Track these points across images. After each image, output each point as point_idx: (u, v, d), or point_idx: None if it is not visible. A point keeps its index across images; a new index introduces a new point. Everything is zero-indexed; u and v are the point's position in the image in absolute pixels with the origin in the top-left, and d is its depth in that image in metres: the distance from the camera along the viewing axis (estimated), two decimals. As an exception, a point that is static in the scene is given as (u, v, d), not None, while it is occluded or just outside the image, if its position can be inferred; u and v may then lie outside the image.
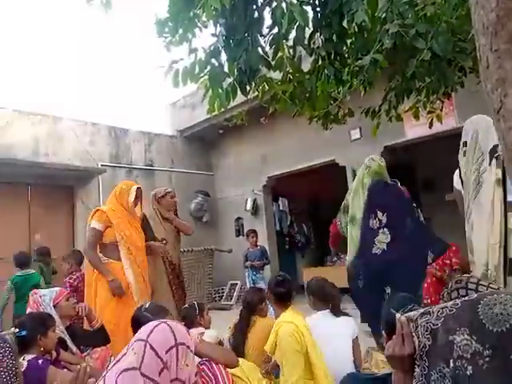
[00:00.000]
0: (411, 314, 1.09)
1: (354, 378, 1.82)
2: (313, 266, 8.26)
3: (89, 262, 3.17)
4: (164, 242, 3.66)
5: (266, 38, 2.36)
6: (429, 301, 4.13)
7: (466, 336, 0.98)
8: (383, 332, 1.54)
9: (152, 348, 1.10)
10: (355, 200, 3.11)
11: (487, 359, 0.93)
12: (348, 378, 1.81)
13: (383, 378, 1.72)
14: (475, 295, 1.03)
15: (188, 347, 1.15)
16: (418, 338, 1.05)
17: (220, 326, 3.12)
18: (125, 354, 1.14)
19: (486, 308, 0.97)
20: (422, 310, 1.09)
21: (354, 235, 3.05)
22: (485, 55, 0.90)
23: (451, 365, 0.99)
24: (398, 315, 1.11)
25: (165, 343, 1.12)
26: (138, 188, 3.48)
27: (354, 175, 6.43)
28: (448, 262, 4.42)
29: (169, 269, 3.62)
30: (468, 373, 0.95)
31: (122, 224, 3.21)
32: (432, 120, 3.22)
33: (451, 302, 1.05)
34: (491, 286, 1.48)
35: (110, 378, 1.11)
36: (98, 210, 3.30)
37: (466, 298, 1.05)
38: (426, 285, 4.45)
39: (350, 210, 3.15)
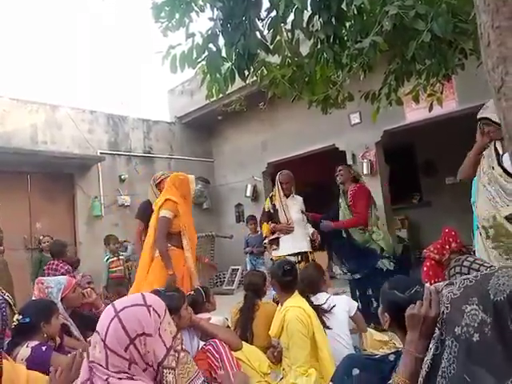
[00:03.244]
0: (438, 284, 1.22)
1: (354, 360, 1.84)
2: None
3: (159, 252, 3.17)
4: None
5: (264, 22, 2.32)
6: (428, 284, 4.17)
7: (474, 306, 1.04)
8: (385, 314, 1.55)
9: (111, 350, 1.08)
10: None
11: (489, 327, 0.99)
12: (348, 360, 1.84)
13: (381, 359, 1.75)
14: (496, 268, 1.08)
15: (144, 334, 1.11)
16: (442, 305, 1.15)
17: (223, 311, 3.14)
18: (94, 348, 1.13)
19: (495, 280, 1.04)
20: (447, 281, 1.20)
21: None
22: (486, 32, 0.88)
23: (458, 332, 1.06)
24: (426, 285, 1.24)
25: (120, 343, 1.09)
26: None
27: (354, 160, 6.46)
28: (447, 246, 4.46)
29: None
30: (475, 339, 1.02)
31: (185, 216, 3.32)
32: (432, 103, 3.19)
33: (473, 274, 1.13)
34: (485, 264, 1.52)
35: (85, 369, 1.12)
36: (168, 199, 3.28)
37: (487, 271, 1.11)
38: (425, 268, 4.48)
39: None
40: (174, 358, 1.18)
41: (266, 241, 4.18)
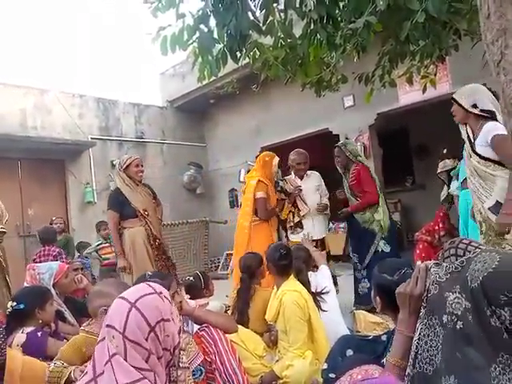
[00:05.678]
0: (429, 262, 1.19)
1: (348, 341, 1.86)
2: (307, 235, 8.33)
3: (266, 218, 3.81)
4: (146, 213, 3.59)
5: (256, 2, 2.28)
6: (419, 262, 4.20)
7: (457, 294, 1.03)
8: (377, 297, 1.56)
9: (132, 341, 1.07)
10: None
11: (472, 313, 0.99)
12: (342, 341, 1.85)
13: (375, 339, 1.77)
14: (477, 252, 1.07)
15: (162, 320, 1.12)
16: (429, 284, 1.13)
17: (218, 296, 3.15)
18: (103, 340, 1.10)
19: (473, 265, 1.02)
20: (436, 261, 1.18)
21: None
22: (486, 4, 0.86)
23: (443, 320, 1.05)
24: (418, 262, 1.18)
25: (142, 332, 1.09)
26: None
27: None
28: (437, 227, 4.52)
29: (153, 243, 3.57)
30: (458, 327, 1.01)
31: (272, 196, 3.89)
32: (426, 85, 3.17)
33: (459, 260, 1.10)
34: (481, 246, 1.50)
35: (100, 364, 1.09)
36: (260, 181, 3.83)
37: (471, 256, 1.10)
38: (417, 251, 4.54)
39: None
40: (183, 340, 1.22)
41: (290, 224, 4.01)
